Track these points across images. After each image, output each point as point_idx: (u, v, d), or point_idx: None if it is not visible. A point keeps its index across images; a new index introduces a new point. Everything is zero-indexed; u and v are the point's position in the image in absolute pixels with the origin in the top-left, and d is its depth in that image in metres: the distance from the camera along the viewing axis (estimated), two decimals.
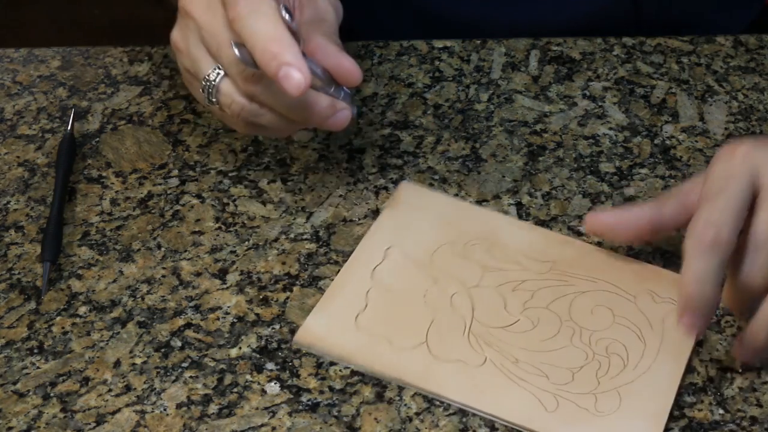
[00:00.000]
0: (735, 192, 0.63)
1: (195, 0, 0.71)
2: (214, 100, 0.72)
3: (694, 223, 0.63)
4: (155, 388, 0.68)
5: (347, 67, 0.71)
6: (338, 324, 0.71)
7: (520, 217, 0.78)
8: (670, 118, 0.86)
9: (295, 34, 0.68)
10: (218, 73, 0.71)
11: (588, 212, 0.76)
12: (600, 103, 0.87)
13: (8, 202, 0.79)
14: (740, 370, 0.69)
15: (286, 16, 0.67)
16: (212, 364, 0.70)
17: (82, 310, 0.73)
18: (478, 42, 0.92)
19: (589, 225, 0.73)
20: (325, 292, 0.73)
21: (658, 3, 0.96)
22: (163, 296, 0.73)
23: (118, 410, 0.67)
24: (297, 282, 0.74)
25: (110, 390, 0.68)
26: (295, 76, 0.66)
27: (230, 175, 0.81)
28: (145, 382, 0.69)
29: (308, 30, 0.72)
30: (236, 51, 0.68)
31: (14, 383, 0.69)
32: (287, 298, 0.73)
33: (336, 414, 0.67)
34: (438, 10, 0.94)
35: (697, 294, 0.63)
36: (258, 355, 0.70)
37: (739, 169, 0.63)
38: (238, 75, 0.70)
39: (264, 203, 0.79)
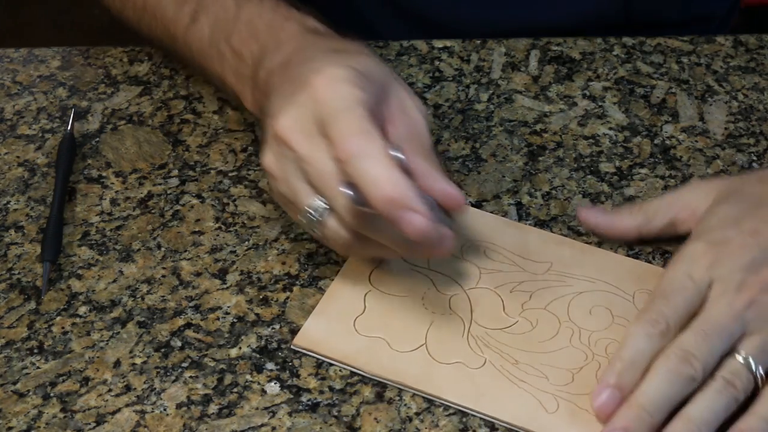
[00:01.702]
0: (691, 296, 0.68)
1: (290, 126, 0.67)
2: (316, 230, 0.69)
3: (649, 311, 0.68)
4: (155, 388, 0.69)
5: (453, 195, 0.67)
6: (337, 328, 0.71)
7: (520, 217, 0.78)
8: (670, 118, 0.86)
9: (407, 171, 0.65)
10: (323, 207, 0.67)
11: (583, 207, 0.77)
12: (600, 103, 0.87)
13: (8, 202, 0.79)
14: None
15: (397, 154, 0.65)
16: (212, 364, 0.70)
17: (82, 310, 0.73)
18: (478, 42, 0.92)
19: (581, 219, 0.78)
20: (323, 295, 0.73)
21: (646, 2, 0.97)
22: (163, 296, 0.74)
23: (118, 410, 0.68)
24: (297, 282, 0.74)
25: (110, 390, 0.68)
26: (417, 221, 0.63)
27: (230, 175, 0.81)
28: (145, 382, 0.69)
29: (405, 148, 0.67)
30: (349, 192, 0.65)
31: (14, 383, 0.69)
32: (287, 298, 0.73)
33: (336, 414, 0.67)
34: (432, 14, 0.94)
35: (630, 363, 0.66)
36: (258, 355, 0.70)
37: (700, 277, 0.68)
38: (345, 211, 0.66)
39: (264, 203, 0.79)
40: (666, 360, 0.65)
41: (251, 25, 0.76)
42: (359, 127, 0.65)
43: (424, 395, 0.68)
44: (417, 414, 0.67)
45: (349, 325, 0.71)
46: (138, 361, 0.70)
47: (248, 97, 0.76)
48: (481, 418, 0.67)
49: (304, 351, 0.70)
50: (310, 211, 0.68)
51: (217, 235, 0.77)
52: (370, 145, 0.64)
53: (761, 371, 0.65)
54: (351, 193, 0.65)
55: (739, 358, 0.65)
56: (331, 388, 0.69)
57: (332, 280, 0.74)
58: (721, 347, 0.65)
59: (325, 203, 0.67)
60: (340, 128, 0.65)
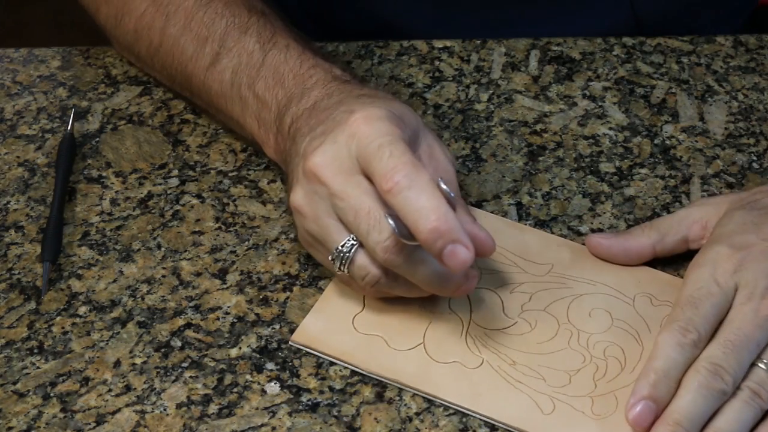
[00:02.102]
0: (719, 302, 0.67)
1: (324, 163, 0.67)
2: (344, 269, 0.69)
3: (678, 320, 0.67)
4: (155, 388, 0.69)
5: (483, 238, 0.68)
6: (335, 325, 0.71)
7: (520, 217, 0.78)
8: (670, 118, 0.86)
9: (452, 204, 0.66)
10: (352, 244, 0.67)
11: (590, 234, 0.76)
12: (600, 103, 0.87)
13: (8, 202, 0.80)
14: None
15: (444, 187, 0.66)
16: (212, 364, 0.70)
17: (82, 310, 0.73)
18: (478, 42, 0.92)
19: (591, 248, 0.75)
20: (323, 293, 0.73)
21: (657, 19, 0.96)
22: (163, 296, 0.74)
23: (118, 410, 0.68)
24: (297, 282, 0.74)
25: (110, 390, 0.69)
26: (462, 253, 0.64)
27: (230, 175, 0.81)
28: (145, 382, 0.69)
29: None
30: (392, 223, 0.65)
31: (14, 383, 0.69)
32: (287, 298, 0.73)
33: (336, 414, 0.67)
34: (438, 35, 0.94)
35: (663, 374, 0.65)
36: (258, 355, 0.70)
37: (726, 282, 0.68)
38: (378, 246, 0.66)
39: (264, 203, 0.79)
40: (697, 374, 0.65)
41: (277, 72, 0.76)
42: (406, 159, 0.65)
43: (422, 395, 0.68)
44: (417, 414, 0.67)
45: (347, 323, 0.71)
46: (138, 361, 0.70)
47: (270, 143, 0.76)
48: (481, 419, 0.67)
49: (301, 347, 0.70)
50: (340, 248, 0.68)
51: (217, 235, 0.77)
52: (418, 176, 0.65)
53: None
54: (393, 224, 0.65)
55: (764, 367, 0.65)
56: (331, 388, 0.69)
57: (332, 280, 0.74)
58: (749, 357, 0.66)
59: (354, 240, 0.67)
60: (386, 160, 0.65)
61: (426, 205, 0.64)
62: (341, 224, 0.68)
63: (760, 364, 0.66)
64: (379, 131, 0.67)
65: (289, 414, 0.67)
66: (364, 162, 0.67)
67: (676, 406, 0.64)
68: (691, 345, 0.66)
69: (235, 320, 0.72)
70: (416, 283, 0.68)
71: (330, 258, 0.69)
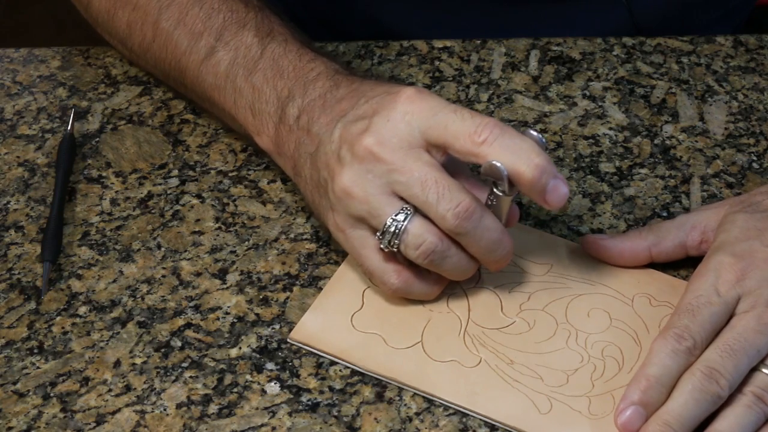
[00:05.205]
0: (718, 311, 0.67)
1: (381, 142, 0.67)
2: (395, 243, 0.68)
3: (674, 326, 0.67)
4: (155, 388, 0.69)
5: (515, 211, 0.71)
6: (334, 322, 0.71)
7: (520, 217, 0.78)
8: (670, 118, 0.86)
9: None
10: (407, 213, 0.67)
11: (586, 235, 0.76)
12: (600, 103, 0.87)
13: (8, 202, 0.80)
14: None
15: (534, 133, 0.68)
16: (212, 364, 0.70)
17: (82, 310, 0.73)
18: (478, 42, 0.92)
19: (587, 248, 0.75)
20: (322, 290, 0.73)
21: (655, 20, 0.96)
22: (163, 296, 0.74)
23: (118, 410, 0.68)
24: (297, 282, 0.74)
25: (110, 390, 0.69)
26: (563, 188, 0.66)
27: (230, 175, 0.81)
28: (145, 382, 0.69)
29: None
30: (499, 165, 0.66)
31: (14, 383, 0.69)
32: (287, 298, 0.73)
33: (336, 414, 0.67)
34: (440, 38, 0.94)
35: (655, 380, 0.65)
36: (258, 355, 0.70)
37: (727, 291, 0.67)
38: (449, 213, 0.66)
39: (264, 203, 0.79)
40: (691, 377, 0.64)
41: (277, 64, 0.76)
42: (488, 117, 0.66)
43: (421, 394, 0.68)
44: (417, 414, 0.67)
45: (346, 321, 0.71)
46: (138, 361, 0.70)
47: (268, 132, 0.76)
48: (481, 419, 0.67)
49: (299, 345, 0.70)
50: (395, 218, 0.67)
51: (217, 235, 0.77)
52: (506, 126, 0.66)
53: None
54: (500, 165, 0.66)
55: (767, 372, 0.65)
56: (331, 388, 0.69)
57: (331, 278, 0.74)
58: (748, 363, 0.65)
59: (409, 210, 0.67)
60: (470, 120, 0.66)
61: (524, 147, 0.66)
62: (396, 199, 0.68)
63: (764, 370, 0.65)
64: (440, 102, 0.68)
65: (289, 414, 0.67)
66: (436, 131, 0.67)
67: (667, 408, 0.64)
68: (685, 352, 0.65)
69: (235, 320, 0.72)
70: (475, 253, 0.68)
71: (378, 234, 0.68)
